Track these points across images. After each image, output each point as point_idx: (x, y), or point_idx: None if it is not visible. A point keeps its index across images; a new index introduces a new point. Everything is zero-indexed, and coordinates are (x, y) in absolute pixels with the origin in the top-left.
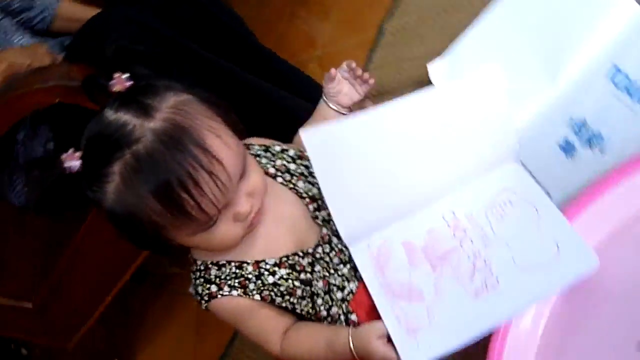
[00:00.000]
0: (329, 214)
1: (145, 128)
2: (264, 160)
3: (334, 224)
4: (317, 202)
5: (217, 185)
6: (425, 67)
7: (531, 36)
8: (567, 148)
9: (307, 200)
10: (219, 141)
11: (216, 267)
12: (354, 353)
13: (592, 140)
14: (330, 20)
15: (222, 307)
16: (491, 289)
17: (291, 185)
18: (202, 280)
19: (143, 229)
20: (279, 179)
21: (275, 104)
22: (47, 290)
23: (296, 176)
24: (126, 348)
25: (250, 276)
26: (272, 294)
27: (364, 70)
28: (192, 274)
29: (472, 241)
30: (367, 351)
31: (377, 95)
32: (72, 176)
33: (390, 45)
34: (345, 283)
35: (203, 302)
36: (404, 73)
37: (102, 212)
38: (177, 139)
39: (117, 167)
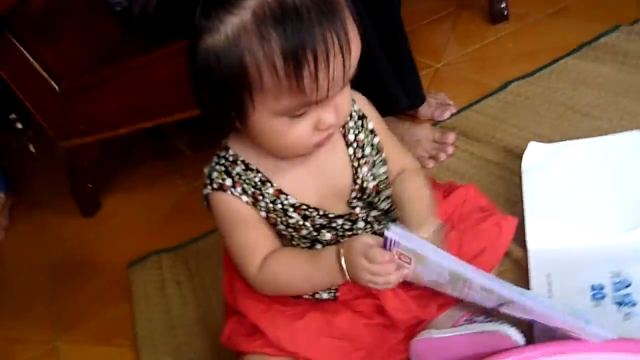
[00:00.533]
0: (375, 217)
1: None
2: (351, 123)
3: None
4: (364, 194)
5: (342, 71)
6: (525, 140)
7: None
8: (598, 294)
9: (356, 186)
10: (354, 33)
11: (243, 167)
12: (342, 258)
13: (624, 302)
14: None
15: (223, 204)
16: None
17: (355, 163)
18: (223, 168)
19: (234, 83)
20: (350, 149)
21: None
22: (81, 84)
23: (365, 159)
24: (106, 179)
25: (266, 195)
26: (279, 219)
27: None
28: (215, 157)
29: None
30: (350, 265)
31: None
32: None
33: (506, 103)
34: None
35: (209, 187)
36: (502, 133)
37: (193, 47)
38: (331, 8)
39: (252, 3)
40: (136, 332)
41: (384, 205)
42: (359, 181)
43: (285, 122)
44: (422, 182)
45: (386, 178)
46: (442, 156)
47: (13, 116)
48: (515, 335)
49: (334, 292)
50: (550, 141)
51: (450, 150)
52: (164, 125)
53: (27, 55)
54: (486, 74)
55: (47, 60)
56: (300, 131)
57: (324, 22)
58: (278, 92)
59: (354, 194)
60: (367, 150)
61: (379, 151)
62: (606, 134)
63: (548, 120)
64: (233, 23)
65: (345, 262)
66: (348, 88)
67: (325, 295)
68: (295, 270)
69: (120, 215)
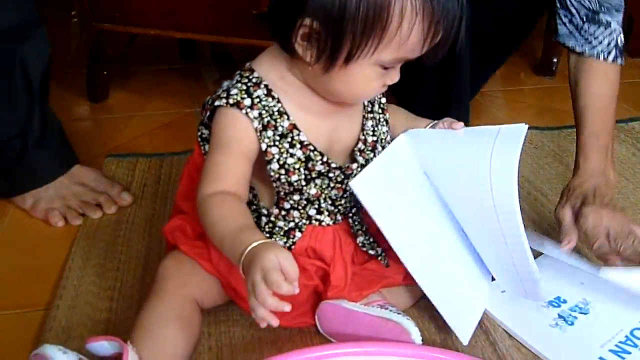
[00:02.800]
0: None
1: None
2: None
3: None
4: (365, 146)
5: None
6: None
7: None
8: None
9: (362, 137)
10: None
11: (265, 91)
12: (243, 256)
13: (565, 318)
14: None
15: (230, 119)
16: None
17: (365, 116)
18: (244, 87)
19: (369, 23)
20: (365, 105)
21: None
22: None
23: (372, 114)
24: (122, 75)
25: (279, 127)
26: (277, 156)
27: None
28: (238, 75)
29: None
30: (250, 267)
31: None
32: None
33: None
34: (323, 217)
35: (224, 100)
36: None
37: None
38: None
39: None
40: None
41: None
42: (363, 133)
43: (378, 72)
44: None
45: (385, 138)
46: None
47: None
48: (416, 334)
49: (291, 245)
50: (529, 182)
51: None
52: (198, 48)
53: None
54: (506, 113)
55: None
56: (376, 83)
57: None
58: (400, 46)
59: (359, 145)
60: (376, 107)
61: (383, 110)
62: None
63: (544, 172)
64: None
65: (245, 263)
66: None
67: (281, 243)
68: (219, 226)
69: (120, 111)
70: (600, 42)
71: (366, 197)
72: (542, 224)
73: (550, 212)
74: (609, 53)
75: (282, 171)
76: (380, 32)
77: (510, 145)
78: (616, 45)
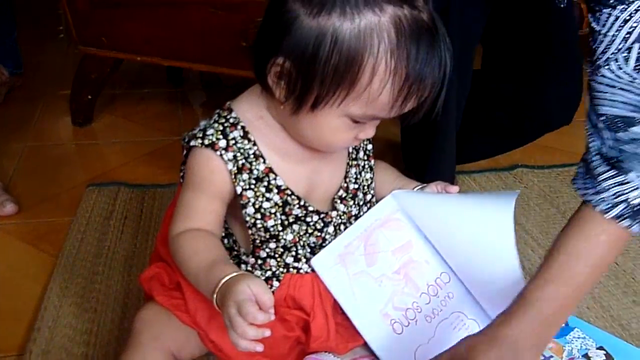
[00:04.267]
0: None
1: (426, 8)
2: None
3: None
4: (347, 193)
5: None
6: None
7: None
8: None
9: (344, 185)
10: None
11: (242, 133)
12: (216, 290)
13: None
14: None
15: (204, 160)
16: None
17: (349, 164)
18: (221, 128)
19: (338, 72)
20: (349, 151)
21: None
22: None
23: (356, 161)
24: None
25: (255, 171)
26: (252, 200)
27: None
28: (216, 114)
29: None
30: (224, 301)
31: None
32: None
33: (503, 182)
34: (301, 264)
35: (199, 141)
36: None
37: (293, 19)
38: (447, 44)
39: (391, 10)
40: (64, 246)
41: (355, 211)
42: (345, 181)
43: (347, 124)
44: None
45: (368, 185)
46: None
47: None
48: None
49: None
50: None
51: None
52: (186, 75)
53: None
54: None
55: None
56: (347, 135)
57: (440, 55)
58: (369, 102)
59: (340, 192)
60: (361, 154)
61: (368, 157)
62: None
63: (534, 213)
64: (370, 20)
65: (219, 297)
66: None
67: None
68: (192, 262)
69: (104, 137)
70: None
71: (326, 275)
72: (532, 269)
73: (540, 257)
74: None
75: (258, 215)
76: (349, 84)
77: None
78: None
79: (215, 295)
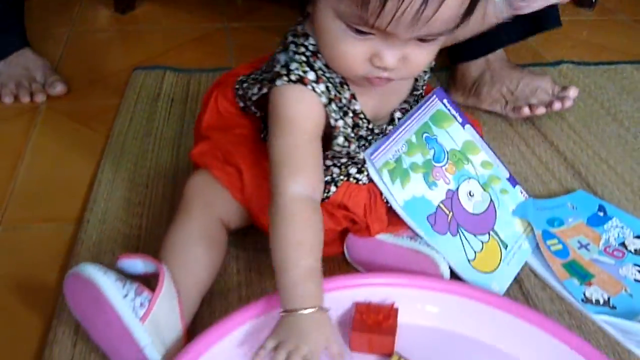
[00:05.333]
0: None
1: None
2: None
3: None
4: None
5: (415, 14)
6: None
7: None
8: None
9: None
10: None
11: (324, 61)
12: (292, 312)
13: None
14: None
15: (296, 97)
16: None
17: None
18: (304, 59)
19: None
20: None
21: None
22: None
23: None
24: None
25: (342, 99)
26: (342, 129)
27: None
28: (292, 44)
29: None
30: (292, 333)
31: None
32: None
33: None
34: (362, 175)
35: (285, 78)
36: None
37: None
38: None
39: None
40: (114, 125)
41: None
42: (403, 104)
43: (343, 31)
44: None
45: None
46: (557, 105)
47: None
48: (444, 268)
49: (325, 198)
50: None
51: (568, 103)
52: None
53: None
54: (545, 46)
55: None
56: (353, 51)
57: None
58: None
59: (397, 114)
60: (420, 82)
61: (422, 87)
62: (625, 143)
63: (577, 109)
64: None
65: (289, 319)
66: (430, 47)
67: None
68: (289, 253)
69: (147, 23)
70: None
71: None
72: (574, 162)
73: (583, 150)
74: None
75: (346, 143)
76: None
77: None
78: None
79: (289, 312)
